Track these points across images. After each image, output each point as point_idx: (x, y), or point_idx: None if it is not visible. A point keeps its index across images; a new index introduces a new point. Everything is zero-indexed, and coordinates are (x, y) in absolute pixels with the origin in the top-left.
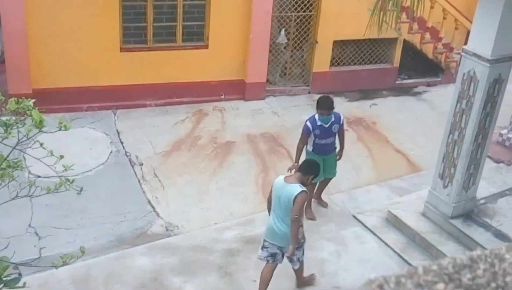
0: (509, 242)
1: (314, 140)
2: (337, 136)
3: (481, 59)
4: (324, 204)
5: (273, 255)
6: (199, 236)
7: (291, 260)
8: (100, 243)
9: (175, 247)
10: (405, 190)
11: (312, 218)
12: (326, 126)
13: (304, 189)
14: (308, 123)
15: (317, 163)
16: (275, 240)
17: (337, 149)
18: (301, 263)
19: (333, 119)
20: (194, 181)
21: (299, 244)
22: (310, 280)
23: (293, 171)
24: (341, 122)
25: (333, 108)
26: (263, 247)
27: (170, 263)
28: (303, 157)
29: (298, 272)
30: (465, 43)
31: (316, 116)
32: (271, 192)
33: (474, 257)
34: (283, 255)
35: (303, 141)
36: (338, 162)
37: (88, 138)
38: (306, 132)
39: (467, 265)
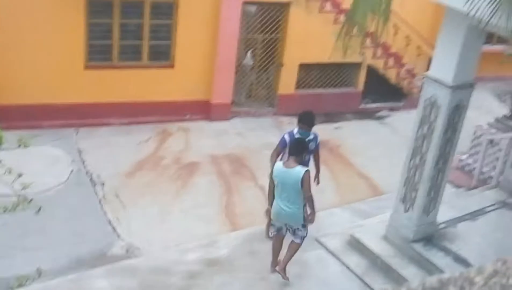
0: (468, 267)
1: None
2: (311, 159)
3: (443, 85)
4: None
5: (279, 229)
6: (160, 257)
7: (294, 233)
8: (58, 265)
9: (135, 269)
10: (368, 213)
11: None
12: None
13: (306, 168)
14: (286, 136)
15: (300, 138)
16: (281, 219)
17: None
18: (302, 239)
19: (311, 137)
20: (157, 201)
21: (306, 223)
22: (285, 274)
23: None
24: (317, 142)
25: (313, 124)
26: (272, 225)
27: (129, 285)
28: None
29: (289, 253)
30: (428, 69)
31: (295, 131)
32: (271, 180)
33: (444, 280)
34: (287, 229)
35: (277, 151)
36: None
37: (48, 156)
38: (282, 145)
39: (436, 288)
